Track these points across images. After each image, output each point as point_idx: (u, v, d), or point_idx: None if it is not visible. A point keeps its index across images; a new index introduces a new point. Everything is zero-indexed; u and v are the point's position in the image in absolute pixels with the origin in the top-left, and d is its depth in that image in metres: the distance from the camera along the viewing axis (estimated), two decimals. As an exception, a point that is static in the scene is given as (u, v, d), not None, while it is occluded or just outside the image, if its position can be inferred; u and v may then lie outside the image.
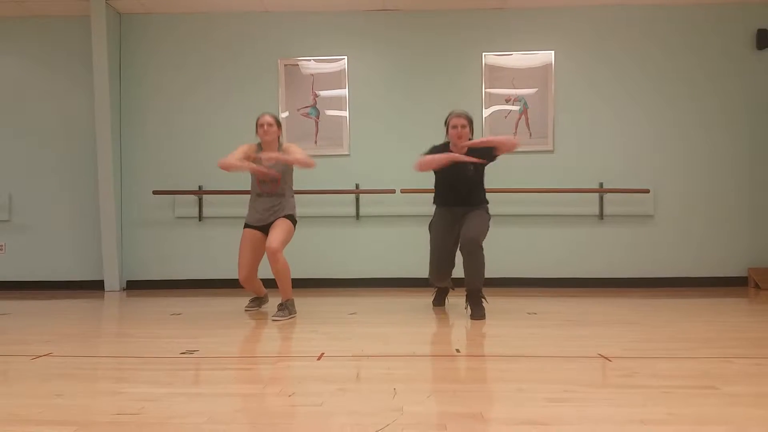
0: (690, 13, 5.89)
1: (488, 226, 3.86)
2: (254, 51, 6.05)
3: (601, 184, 5.83)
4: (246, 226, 3.99)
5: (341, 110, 5.98)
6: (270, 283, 5.74)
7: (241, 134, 6.01)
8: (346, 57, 5.99)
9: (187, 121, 6.05)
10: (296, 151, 3.85)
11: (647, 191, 5.74)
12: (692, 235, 5.84)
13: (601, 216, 5.85)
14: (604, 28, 5.93)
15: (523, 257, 5.83)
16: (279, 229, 3.79)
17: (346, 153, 5.97)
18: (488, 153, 3.79)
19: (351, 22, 6.00)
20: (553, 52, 5.89)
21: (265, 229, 3.92)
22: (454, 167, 3.78)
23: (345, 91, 5.98)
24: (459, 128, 3.80)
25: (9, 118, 6.10)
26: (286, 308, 3.80)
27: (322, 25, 6.00)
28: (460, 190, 3.88)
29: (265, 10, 6.00)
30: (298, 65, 6.00)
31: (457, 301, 4.42)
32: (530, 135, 5.87)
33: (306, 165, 3.79)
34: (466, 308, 3.82)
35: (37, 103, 6.09)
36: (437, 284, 4.12)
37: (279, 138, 3.99)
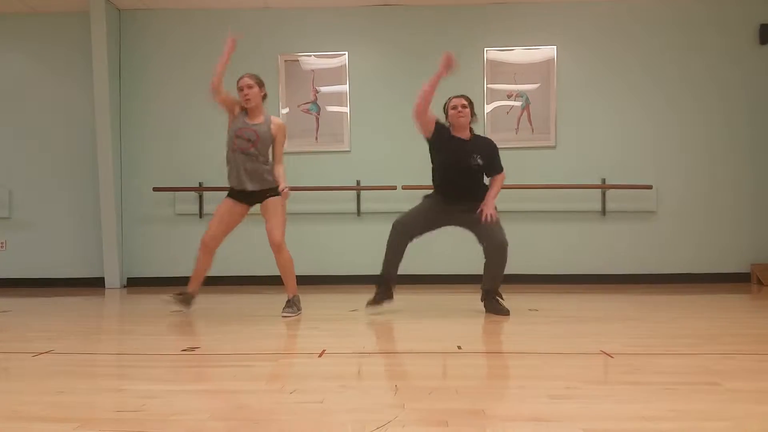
0: (692, 8, 5.86)
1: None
2: (254, 47, 6.02)
3: (603, 180, 5.82)
4: (229, 194, 3.77)
5: (342, 106, 5.97)
6: (269, 280, 5.75)
7: (242, 131, 6.00)
8: (346, 53, 5.97)
9: (187, 117, 6.04)
10: (280, 159, 3.76)
11: (650, 187, 5.73)
12: (694, 232, 5.83)
13: (603, 212, 5.84)
14: (607, 23, 5.90)
15: (525, 253, 5.81)
16: (274, 215, 3.65)
17: (347, 149, 5.96)
18: (486, 156, 3.69)
19: (351, 18, 5.98)
20: (555, 47, 5.87)
21: (247, 198, 3.73)
22: (457, 150, 3.63)
23: (346, 87, 5.97)
24: (459, 108, 3.66)
25: (9, 114, 6.09)
26: (294, 304, 3.78)
27: (323, 20, 5.98)
28: (461, 181, 3.68)
29: (266, 6, 5.98)
30: (298, 61, 5.98)
31: (455, 298, 4.42)
32: (532, 131, 5.86)
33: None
34: (485, 306, 3.70)
35: (37, 99, 6.08)
36: (391, 267, 3.74)
37: (265, 97, 3.79)
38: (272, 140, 3.76)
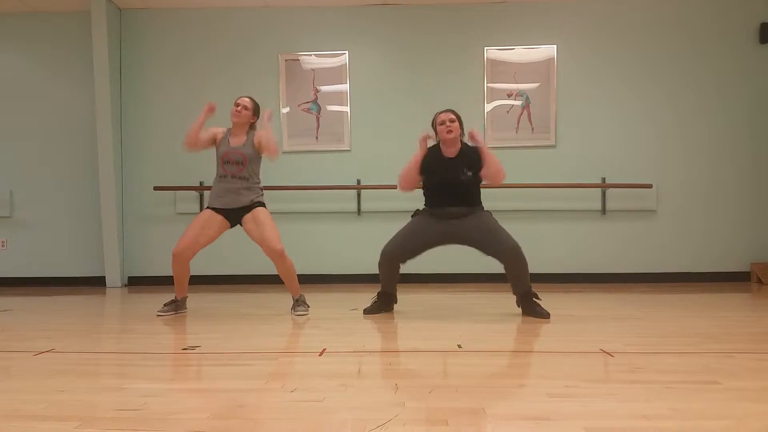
0: (693, 6, 5.86)
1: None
2: (255, 46, 6.03)
3: (603, 179, 5.82)
4: (210, 206, 3.76)
5: (342, 105, 5.97)
6: (268, 279, 5.75)
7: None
8: (347, 52, 5.97)
9: (187, 116, 6.01)
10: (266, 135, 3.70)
11: (650, 186, 5.73)
12: (695, 230, 5.83)
13: (603, 211, 5.84)
14: (607, 22, 5.90)
15: (525, 252, 5.81)
16: (268, 226, 3.63)
17: (347, 148, 5.96)
18: (476, 163, 3.60)
19: (352, 17, 5.98)
20: (555, 46, 5.87)
21: (229, 215, 3.71)
22: (447, 170, 3.59)
23: (346, 86, 5.97)
24: (447, 123, 3.59)
25: (9, 114, 6.10)
26: (303, 302, 3.80)
27: (323, 20, 5.98)
28: (453, 195, 3.60)
29: (266, 5, 5.98)
30: (298, 60, 5.98)
31: (455, 297, 4.41)
32: (532, 130, 5.86)
33: (270, 150, 3.65)
34: (523, 310, 3.62)
35: (37, 99, 6.08)
36: (388, 286, 3.74)
37: (252, 125, 3.83)
38: (258, 148, 3.74)
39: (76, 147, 6.06)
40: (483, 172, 3.62)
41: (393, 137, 5.91)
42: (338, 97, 5.98)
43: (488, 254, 3.57)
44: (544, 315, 3.48)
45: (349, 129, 5.96)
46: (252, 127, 3.84)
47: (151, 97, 6.07)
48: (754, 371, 2.17)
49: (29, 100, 6.09)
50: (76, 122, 6.06)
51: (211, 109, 3.79)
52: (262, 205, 3.77)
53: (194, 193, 5.97)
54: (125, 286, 5.99)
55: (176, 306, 3.82)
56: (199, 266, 5.97)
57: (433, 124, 3.72)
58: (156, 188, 5.88)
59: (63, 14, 6.05)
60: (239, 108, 3.74)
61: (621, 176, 5.80)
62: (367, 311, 3.72)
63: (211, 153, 6.18)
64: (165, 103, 6.05)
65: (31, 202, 6.08)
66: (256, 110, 3.83)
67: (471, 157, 3.63)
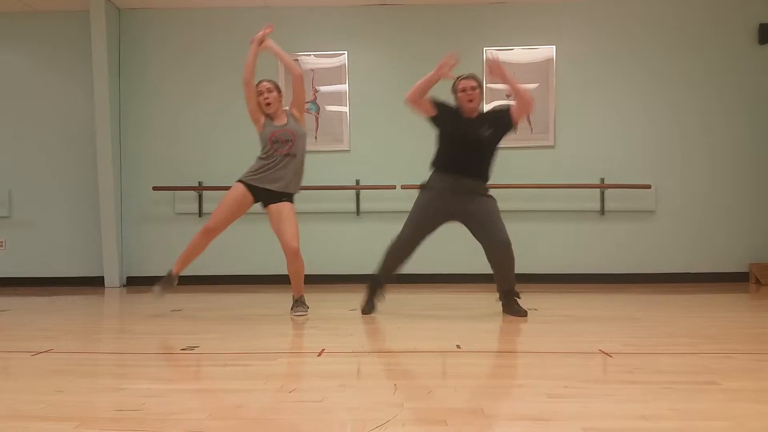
0: (692, 7, 5.87)
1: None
2: (254, 46, 6.02)
3: (602, 180, 5.82)
4: (241, 181, 3.71)
5: (341, 105, 5.97)
6: (267, 279, 5.75)
7: (241, 129, 6.00)
8: (346, 52, 5.97)
9: (186, 116, 6.04)
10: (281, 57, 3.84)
11: (648, 186, 5.73)
12: (693, 231, 5.83)
13: (602, 211, 5.84)
14: (606, 22, 5.91)
15: (523, 253, 5.75)
16: (290, 222, 3.63)
17: (347, 149, 5.96)
18: (505, 119, 3.46)
19: (351, 17, 5.98)
20: (554, 46, 5.88)
21: (260, 193, 3.69)
22: (466, 130, 3.44)
23: (345, 87, 5.96)
24: (468, 90, 3.45)
25: (8, 114, 6.09)
26: (303, 303, 3.80)
27: (322, 20, 5.98)
28: (468, 156, 3.44)
29: (265, 5, 5.98)
30: (298, 60, 5.98)
31: (455, 297, 4.41)
32: (531, 130, 5.86)
33: (294, 68, 3.76)
34: (503, 308, 3.64)
35: (36, 99, 6.08)
36: (390, 268, 3.66)
37: (281, 103, 3.82)
38: (298, 118, 3.79)
39: (74, 147, 6.05)
40: (514, 112, 3.47)
41: (392, 137, 5.91)
42: (337, 98, 5.98)
43: (480, 239, 3.52)
44: (521, 313, 3.49)
45: (348, 129, 5.96)
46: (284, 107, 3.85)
47: (150, 96, 6.06)
48: (752, 371, 2.17)
49: (28, 99, 6.08)
50: (75, 122, 6.05)
51: (263, 36, 3.80)
52: (292, 200, 3.77)
53: (193, 193, 5.97)
54: (124, 286, 5.98)
55: (170, 281, 3.80)
56: (199, 266, 5.99)
57: (454, 89, 3.57)
58: (155, 188, 5.88)
59: (62, 14, 6.04)
60: (265, 95, 3.73)
61: (620, 177, 5.80)
62: (365, 311, 3.69)
63: (211, 153, 6.19)
64: (164, 102, 6.05)
65: (29, 202, 6.07)
66: (279, 89, 3.82)
67: (490, 118, 3.52)
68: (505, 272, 3.53)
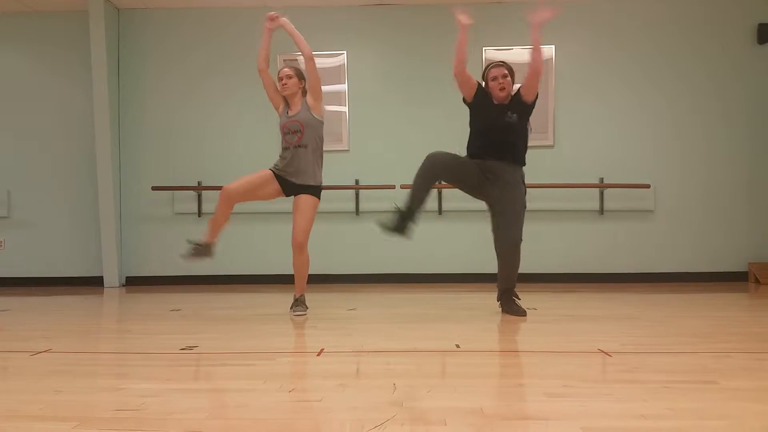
0: (690, 7, 5.87)
1: (524, 214, 3.50)
2: (253, 46, 5.96)
3: (601, 180, 5.82)
4: (272, 169, 3.73)
5: (340, 105, 5.97)
6: (267, 279, 5.75)
7: (240, 129, 6.01)
8: (345, 52, 5.97)
9: (186, 116, 6.04)
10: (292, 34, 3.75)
11: (648, 186, 5.74)
12: (692, 230, 5.84)
13: (601, 211, 5.85)
14: (604, 23, 5.91)
15: (522, 252, 5.81)
16: (303, 216, 3.61)
17: (346, 148, 5.96)
18: (520, 101, 3.52)
19: (350, 18, 5.98)
20: (553, 46, 5.88)
21: (286, 185, 3.69)
22: (495, 116, 3.47)
23: (344, 87, 5.96)
24: (500, 78, 3.45)
25: (7, 114, 6.09)
26: (302, 303, 3.78)
27: (321, 20, 5.98)
28: (498, 140, 3.48)
29: (264, 5, 5.97)
30: (297, 60, 5.97)
31: (454, 297, 4.41)
32: (530, 130, 5.84)
33: (304, 48, 3.70)
34: (501, 306, 3.64)
35: (35, 99, 6.07)
36: (417, 202, 3.44)
37: (304, 89, 3.78)
38: (312, 106, 3.75)
39: (74, 147, 6.05)
40: (522, 84, 3.52)
41: (391, 137, 5.91)
42: (336, 97, 5.97)
43: (493, 229, 3.51)
44: (520, 313, 3.50)
45: (348, 129, 5.96)
46: (304, 92, 3.80)
47: (149, 96, 6.06)
48: (751, 371, 2.17)
49: (27, 99, 6.08)
50: (74, 122, 6.05)
51: (272, 20, 3.80)
52: (316, 192, 3.74)
53: (192, 193, 5.97)
54: (123, 286, 5.98)
55: (204, 250, 3.64)
56: (200, 267, 5.98)
57: (484, 76, 3.57)
58: (154, 188, 5.87)
59: (61, 14, 6.04)
60: (283, 81, 3.70)
61: (619, 176, 5.81)
62: (394, 228, 3.40)
63: (211, 153, 6.19)
64: (163, 102, 6.05)
65: (28, 202, 6.07)
66: (300, 75, 3.77)
67: (519, 104, 3.53)
68: (507, 268, 3.53)
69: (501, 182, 3.47)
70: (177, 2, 5.94)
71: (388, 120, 5.94)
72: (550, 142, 5.87)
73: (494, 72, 3.51)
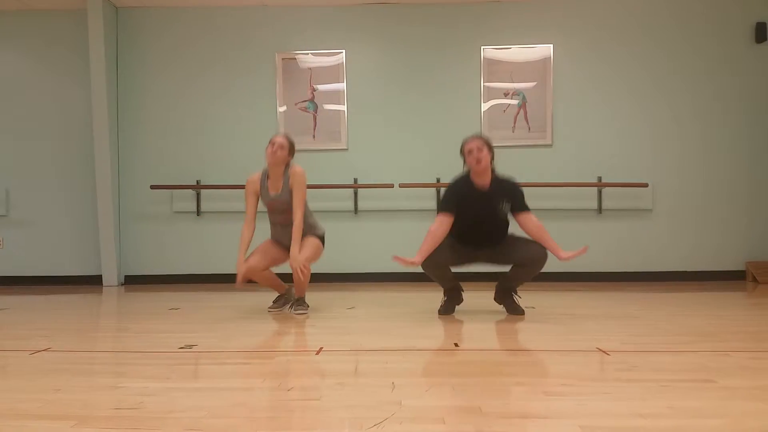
0: (689, 6, 5.87)
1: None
2: (252, 45, 6.02)
3: (599, 179, 5.83)
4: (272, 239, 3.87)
5: (339, 104, 5.97)
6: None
7: (239, 129, 6.00)
8: (344, 51, 5.96)
9: (184, 115, 6.03)
10: (299, 205, 3.64)
11: (646, 185, 5.74)
12: (690, 229, 5.84)
13: (599, 210, 5.85)
14: (603, 21, 5.91)
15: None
16: (307, 247, 3.67)
17: (344, 147, 5.96)
18: (511, 195, 3.49)
19: (349, 16, 5.97)
20: (551, 45, 5.88)
21: (287, 247, 3.73)
22: (483, 205, 3.44)
23: (343, 85, 5.96)
24: (475, 151, 3.37)
25: (5, 112, 6.07)
26: (304, 303, 3.80)
27: (320, 18, 5.97)
28: (484, 230, 3.51)
29: (263, 3, 5.97)
30: (295, 59, 5.98)
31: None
32: (529, 129, 5.86)
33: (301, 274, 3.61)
34: (503, 304, 3.67)
35: (33, 97, 6.06)
36: (441, 281, 3.63)
37: (288, 164, 3.70)
38: (293, 191, 3.65)
39: (72, 145, 6.03)
40: (523, 218, 3.53)
41: (390, 136, 5.91)
42: (335, 96, 5.97)
43: (513, 261, 3.56)
44: (519, 312, 3.56)
45: (346, 128, 5.96)
46: (288, 166, 3.71)
47: (148, 95, 6.05)
48: (749, 370, 2.18)
49: (25, 98, 6.06)
50: (73, 120, 6.04)
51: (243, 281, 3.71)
52: (319, 237, 3.83)
53: (191, 192, 5.96)
54: (122, 284, 5.98)
55: (284, 301, 3.91)
56: (199, 266, 6.00)
57: (462, 151, 3.52)
58: (153, 187, 5.87)
59: (59, 12, 6.02)
60: (275, 148, 3.60)
61: (617, 175, 5.81)
62: (441, 311, 3.65)
63: (210, 152, 6.20)
64: (162, 101, 6.04)
65: (27, 201, 6.06)
66: (291, 149, 3.70)
67: (506, 191, 3.50)
68: (523, 276, 3.58)
69: (497, 245, 3.57)
70: (176, 0, 5.93)
71: (387, 119, 5.94)
72: (548, 141, 5.87)
73: (470, 145, 3.43)
